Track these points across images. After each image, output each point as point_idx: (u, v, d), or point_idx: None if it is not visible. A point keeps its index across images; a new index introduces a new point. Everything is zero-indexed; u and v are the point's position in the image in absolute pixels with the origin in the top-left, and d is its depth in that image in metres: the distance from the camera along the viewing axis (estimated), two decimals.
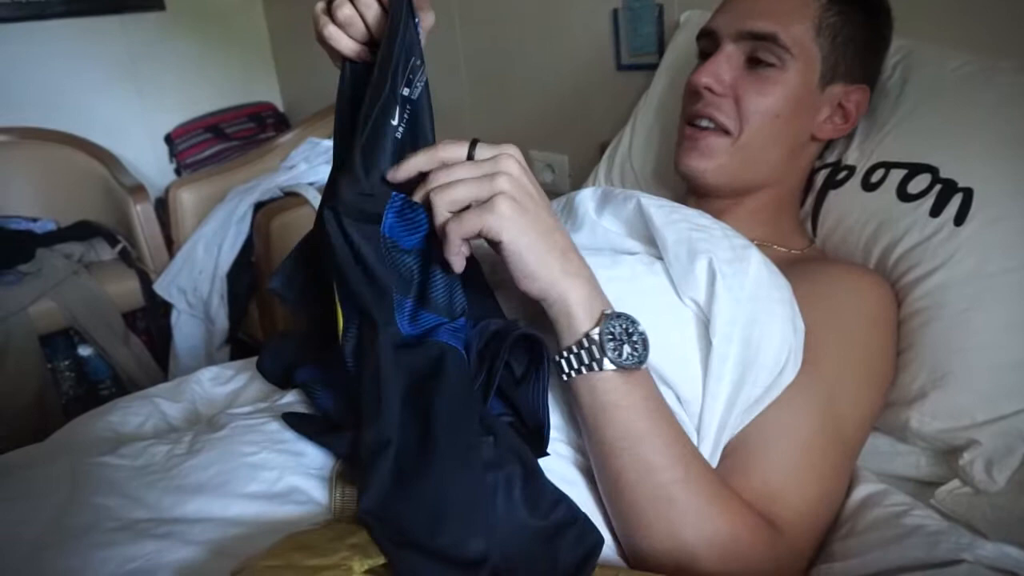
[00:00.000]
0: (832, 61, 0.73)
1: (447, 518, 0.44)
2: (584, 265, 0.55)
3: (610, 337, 0.52)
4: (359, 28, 0.58)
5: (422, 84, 0.55)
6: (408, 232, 0.54)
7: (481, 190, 0.51)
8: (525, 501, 0.48)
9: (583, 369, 0.53)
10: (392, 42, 0.53)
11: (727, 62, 0.74)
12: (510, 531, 0.46)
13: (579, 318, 0.53)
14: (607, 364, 0.52)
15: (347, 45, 0.58)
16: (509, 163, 0.53)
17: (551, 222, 0.54)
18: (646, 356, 0.53)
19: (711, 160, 0.75)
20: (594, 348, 0.52)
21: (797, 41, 0.71)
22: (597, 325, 0.52)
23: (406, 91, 0.54)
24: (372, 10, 0.57)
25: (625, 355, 0.52)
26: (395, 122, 0.54)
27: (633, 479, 0.52)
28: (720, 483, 0.54)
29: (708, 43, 0.77)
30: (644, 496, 0.52)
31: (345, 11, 0.57)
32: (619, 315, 0.53)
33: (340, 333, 0.55)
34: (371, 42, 0.59)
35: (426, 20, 0.58)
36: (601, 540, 0.49)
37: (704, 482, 0.53)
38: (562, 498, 0.51)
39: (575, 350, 0.53)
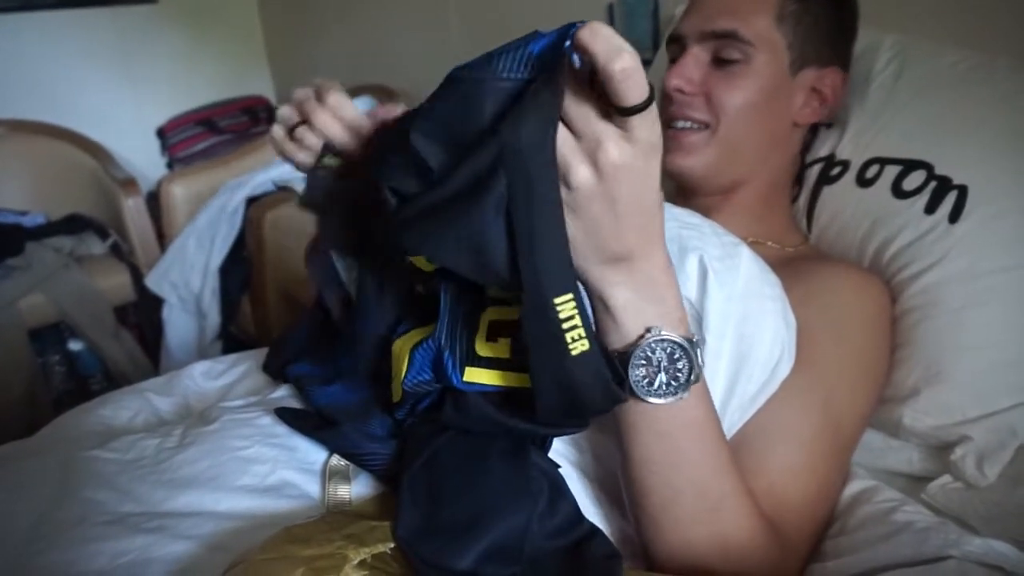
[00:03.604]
0: (799, 48, 0.74)
1: (488, 537, 0.43)
2: (652, 274, 0.45)
3: (643, 362, 0.46)
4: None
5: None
6: None
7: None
8: (549, 520, 0.47)
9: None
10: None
11: (694, 63, 0.75)
12: (537, 551, 0.45)
13: (618, 327, 0.46)
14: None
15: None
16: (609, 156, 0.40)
17: (618, 223, 0.42)
18: (686, 389, 0.46)
19: (696, 156, 0.76)
20: (622, 369, 0.45)
21: (758, 34, 0.72)
22: (636, 343, 0.45)
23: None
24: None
25: (658, 385, 0.46)
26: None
27: (658, 501, 0.50)
28: (747, 498, 0.52)
29: (676, 49, 0.78)
30: (668, 517, 0.50)
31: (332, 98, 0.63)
32: (666, 339, 0.45)
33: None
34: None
35: (393, 111, 0.61)
36: (619, 554, 0.48)
37: (735, 505, 0.51)
38: (581, 517, 0.49)
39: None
